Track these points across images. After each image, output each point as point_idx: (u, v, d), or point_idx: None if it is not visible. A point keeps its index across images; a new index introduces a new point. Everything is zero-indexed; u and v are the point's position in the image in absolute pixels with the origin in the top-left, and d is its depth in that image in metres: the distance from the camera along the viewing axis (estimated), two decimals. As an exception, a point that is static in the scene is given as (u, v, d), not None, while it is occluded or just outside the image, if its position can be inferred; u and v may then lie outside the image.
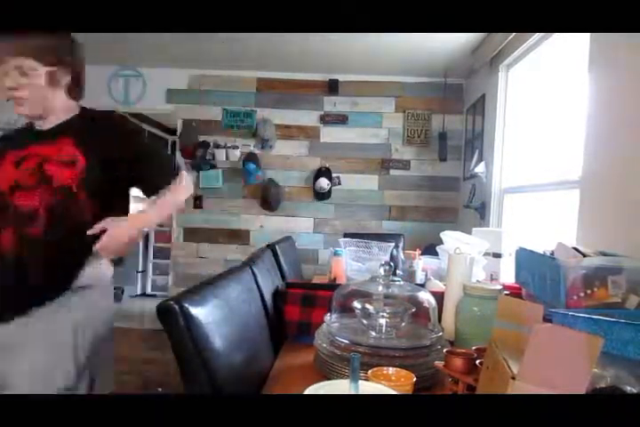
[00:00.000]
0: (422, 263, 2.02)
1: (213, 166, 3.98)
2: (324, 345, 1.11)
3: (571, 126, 2.07)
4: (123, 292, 5.06)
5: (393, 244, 2.07)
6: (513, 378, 0.60)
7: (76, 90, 1.37)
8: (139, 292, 5.30)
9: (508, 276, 1.84)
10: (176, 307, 0.87)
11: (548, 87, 2.44)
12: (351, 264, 1.99)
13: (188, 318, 0.88)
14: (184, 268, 4.04)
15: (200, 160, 3.94)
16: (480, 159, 3.20)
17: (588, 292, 1.11)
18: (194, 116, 4.02)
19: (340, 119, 3.98)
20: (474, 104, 3.55)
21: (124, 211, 1.34)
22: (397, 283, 1.21)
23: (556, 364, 0.58)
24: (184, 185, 1.34)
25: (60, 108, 1.30)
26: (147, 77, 4.02)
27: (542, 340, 0.58)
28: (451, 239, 1.85)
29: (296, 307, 1.44)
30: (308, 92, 3.99)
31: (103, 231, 1.15)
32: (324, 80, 3.96)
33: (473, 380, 0.88)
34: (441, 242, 1.92)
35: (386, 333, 1.15)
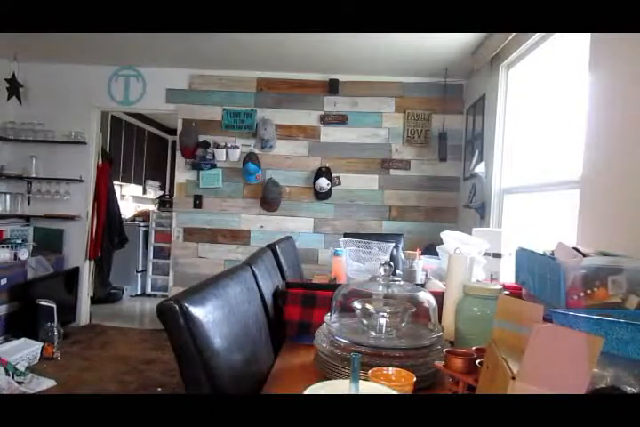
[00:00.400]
0: (422, 263, 2.02)
1: (213, 166, 3.98)
2: (324, 345, 1.11)
3: (571, 126, 2.07)
4: (123, 292, 5.07)
5: (393, 244, 2.07)
6: (513, 378, 0.60)
7: None
8: (139, 292, 5.31)
9: (508, 276, 1.84)
10: (176, 307, 0.87)
11: (548, 87, 2.44)
12: (351, 264, 1.99)
13: (188, 317, 0.88)
14: (184, 268, 4.04)
15: (200, 160, 3.94)
16: (480, 159, 3.20)
17: (588, 292, 1.11)
18: (194, 116, 4.02)
19: (340, 119, 3.98)
20: (474, 104, 3.55)
21: None
22: (397, 283, 1.21)
23: (556, 364, 0.58)
24: None
25: None
26: (147, 77, 4.02)
27: (542, 340, 0.58)
28: (451, 239, 1.84)
29: (296, 307, 1.44)
30: (308, 92, 3.99)
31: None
32: (324, 80, 3.96)
33: (473, 380, 0.88)
34: (441, 242, 1.92)
35: (386, 333, 1.15)
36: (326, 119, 3.98)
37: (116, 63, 3.96)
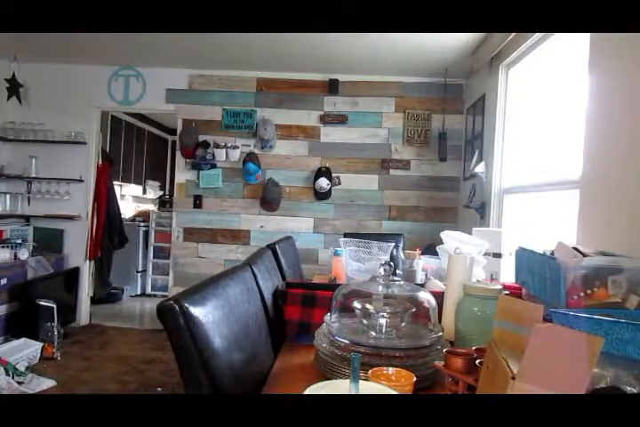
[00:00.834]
0: (422, 263, 2.02)
1: (213, 166, 3.98)
2: (324, 345, 1.11)
3: (571, 126, 2.07)
4: (123, 292, 5.07)
5: (393, 244, 2.07)
6: (513, 378, 0.60)
7: None
8: (139, 292, 5.30)
9: (508, 276, 1.84)
10: (176, 307, 0.87)
11: (547, 87, 2.44)
12: (351, 264, 1.99)
13: (188, 317, 0.88)
14: (184, 268, 4.04)
15: (200, 160, 3.94)
16: (480, 159, 3.20)
17: (588, 292, 1.11)
18: (194, 116, 4.02)
19: (340, 119, 3.98)
20: (474, 104, 3.55)
21: None
22: (397, 283, 1.21)
23: (556, 364, 0.58)
24: None
25: None
26: (147, 77, 4.02)
27: (542, 340, 0.58)
28: (451, 239, 1.84)
29: (296, 307, 1.44)
30: (308, 92, 3.99)
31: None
32: (324, 80, 3.96)
33: (473, 380, 0.88)
34: (441, 242, 1.92)
35: (386, 333, 1.15)
36: (326, 119, 3.98)
37: (116, 63, 3.96)
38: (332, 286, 1.52)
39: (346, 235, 3.06)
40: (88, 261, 4.08)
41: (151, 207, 6.09)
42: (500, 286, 1.27)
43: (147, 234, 5.40)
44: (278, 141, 4.00)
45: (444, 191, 3.97)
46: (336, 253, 2.04)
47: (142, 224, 5.42)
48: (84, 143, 3.97)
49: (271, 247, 2.09)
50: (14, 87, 3.76)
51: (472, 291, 1.25)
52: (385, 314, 1.15)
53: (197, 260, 4.04)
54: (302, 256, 3.40)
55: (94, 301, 4.26)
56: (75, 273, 4.00)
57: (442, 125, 3.87)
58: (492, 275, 1.77)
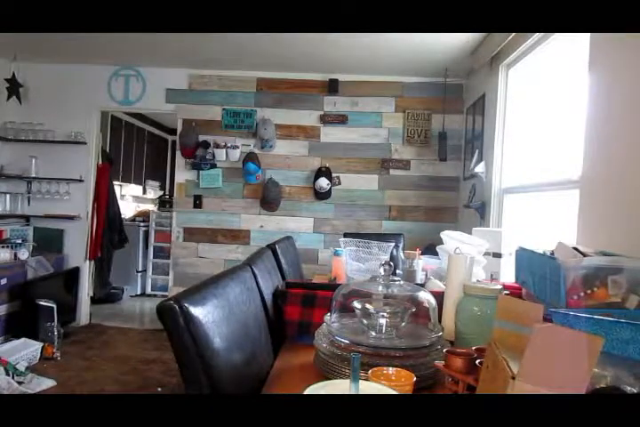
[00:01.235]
0: (422, 263, 2.02)
1: (213, 166, 3.98)
2: (324, 345, 1.11)
3: (571, 126, 2.07)
4: (123, 292, 5.07)
5: (393, 244, 2.07)
6: (513, 378, 0.60)
7: None
8: (139, 292, 5.30)
9: (508, 276, 1.84)
10: (176, 306, 0.87)
11: (547, 87, 2.44)
12: (351, 264, 1.99)
13: (188, 317, 0.88)
14: (184, 268, 4.04)
15: (200, 160, 3.94)
16: (480, 159, 3.20)
17: (588, 292, 1.11)
18: (194, 116, 4.02)
19: (340, 119, 3.98)
20: (474, 104, 3.55)
21: None
22: (397, 283, 1.21)
23: (556, 364, 0.58)
24: None
25: None
26: (147, 77, 4.02)
27: (542, 340, 0.58)
28: (451, 239, 1.84)
29: (296, 307, 1.44)
30: (308, 92, 3.99)
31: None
32: (324, 80, 3.96)
33: (473, 380, 0.88)
34: (441, 242, 1.92)
35: (386, 333, 1.15)
36: (326, 119, 3.98)
37: (116, 63, 3.96)
38: (332, 286, 1.52)
39: (346, 235, 3.06)
40: (88, 261, 4.08)
41: (151, 207, 6.08)
42: (499, 286, 1.27)
43: (147, 234, 5.40)
44: (278, 141, 4.00)
45: (444, 191, 3.97)
46: (336, 253, 2.04)
47: (142, 224, 5.42)
48: (84, 143, 3.97)
49: (271, 247, 2.09)
50: (14, 87, 3.76)
51: (472, 291, 1.25)
52: (385, 314, 1.15)
53: (197, 260, 4.04)
54: (302, 256, 3.40)
55: (94, 301, 4.26)
56: (75, 273, 4.00)
57: (442, 125, 3.86)
58: (491, 275, 1.76)
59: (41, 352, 3.12)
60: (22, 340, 3.16)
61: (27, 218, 4.01)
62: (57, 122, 3.95)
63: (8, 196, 3.88)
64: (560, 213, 2.18)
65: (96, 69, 4.00)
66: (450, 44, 3.15)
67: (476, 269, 1.63)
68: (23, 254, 3.54)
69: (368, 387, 0.78)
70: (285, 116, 4.00)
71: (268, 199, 3.92)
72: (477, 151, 3.28)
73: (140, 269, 5.31)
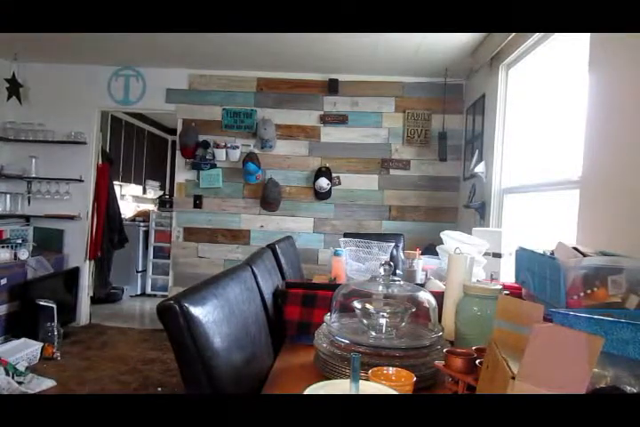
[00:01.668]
0: (422, 263, 2.02)
1: (213, 166, 3.98)
2: (324, 345, 1.11)
3: (571, 126, 2.07)
4: (123, 292, 5.07)
5: (393, 244, 2.07)
6: (513, 378, 0.60)
7: None
8: (139, 292, 5.30)
9: (508, 276, 1.84)
10: (176, 306, 0.87)
11: (547, 87, 2.44)
12: (351, 264, 1.99)
13: (188, 317, 0.88)
14: (184, 268, 4.04)
15: (200, 160, 3.94)
16: (480, 159, 3.20)
17: (588, 292, 1.11)
18: (194, 116, 4.02)
19: (340, 119, 3.98)
20: (474, 104, 3.55)
21: None
22: (397, 283, 1.21)
23: (556, 364, 0.58)
24: None
25: None
26: (147, 77, 4.02)
27: (542, 340, 0.58)
28: (451, 239, 1.85)
29: (296, 307, 1.44)
30: (308, 92, 3.99)
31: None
32: (324, 80, 3.96)
33: (473, 380, 0.88)
34: (441, 242, 1.92)
35: (386, 333, 1.15)
36: (326, 119, 3.98)
37: (116, 63, 3.96)
38: (332, 286, 1.52)
39: (346, 235, 3.06)
40: (88, 261, 4.08)
41: (151, 207, 6.08)
42: (499, 286, 1.27)
43: (147, 234, 5.40)
44: (278, 141, 4.00)
45: (444, 191, 3.97)
46: (336, 253, 2.04)
47: (142, 224, 5.42)
48: (84, 143, 3.97)
49: (271, 247, 2.09)
50: (14, 87, 3.76)
51: (472, 291, 1.25)
52: (385, 314, 1.15)
53: (197, 260, 4.04)
54: (302, 256, 3.40)
55: (94, 301, 4.26)
56: (75, 273, 4.00)
57: (442, 125, 3.86)
58: (491, 275, 1.77)
59: (41, 352, 3.12)
60: (22, 340, 3.16)
61: (27, 218, 4.01)
62: (57, 122, 3.95)
63: (8, 196, 3.88)
64: (560, 213, 2.18)
65: (96, 69, 4.00)
66: (450, 44, 3.15)
67: (475, 269, 1.63)
68: (23, 254, 3.54)
69: (368, 387, 0.78)
70: (285, 116, 4.00)
71: (268, 199, 3.92)
72: (477, 151, 3.28)
73: (139, 269, 5.31)
